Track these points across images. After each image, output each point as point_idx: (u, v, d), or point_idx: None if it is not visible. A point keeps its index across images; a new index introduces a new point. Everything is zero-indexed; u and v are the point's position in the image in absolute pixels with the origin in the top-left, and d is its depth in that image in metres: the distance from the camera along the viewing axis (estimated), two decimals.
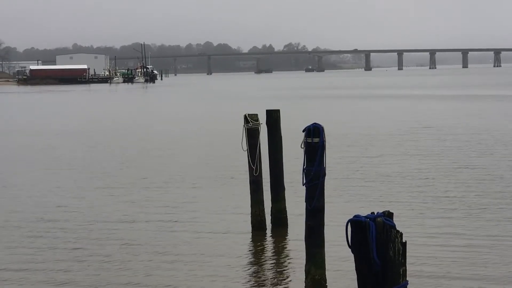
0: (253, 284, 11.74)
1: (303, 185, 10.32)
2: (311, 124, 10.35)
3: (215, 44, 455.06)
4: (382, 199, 17.98)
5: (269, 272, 12.40)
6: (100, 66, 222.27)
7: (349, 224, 5.09)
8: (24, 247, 14.38)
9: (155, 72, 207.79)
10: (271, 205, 15.10)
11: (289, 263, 12.90)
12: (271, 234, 14.85)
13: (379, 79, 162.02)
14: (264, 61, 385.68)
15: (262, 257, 13.46)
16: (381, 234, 5.02)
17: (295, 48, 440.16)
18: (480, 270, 12.04)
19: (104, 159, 28.09)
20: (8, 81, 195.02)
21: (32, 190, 21.13)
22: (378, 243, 5.01)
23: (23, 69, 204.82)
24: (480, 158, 25.10)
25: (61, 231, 15.63)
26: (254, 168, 14.70)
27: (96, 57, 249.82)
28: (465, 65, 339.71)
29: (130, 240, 14.70)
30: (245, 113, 14.94)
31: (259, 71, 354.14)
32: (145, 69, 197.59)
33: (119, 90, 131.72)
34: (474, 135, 32.65)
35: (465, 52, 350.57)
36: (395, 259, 5.08)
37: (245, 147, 14.76)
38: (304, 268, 10.58)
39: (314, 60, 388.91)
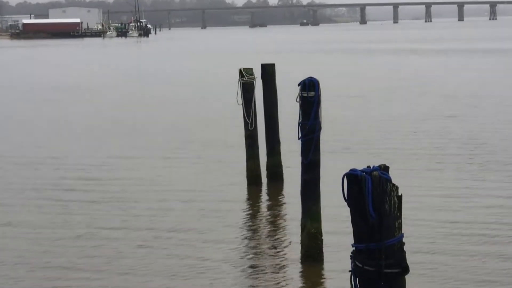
0: (250, 237, 11.82)
1: (299, 139, 10.32)
2: (307, 78, 10.30)
3: None
4: (379, 153, 18.02)
5: (265, 226, 12.48)
6: (93, 20, 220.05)
7: (345, 178, 5.09)
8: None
9: (149, 26, 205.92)
10: (266, 160, 15.12)
11: (285, 217, 12.98)
12: (266, 189, 14.91)
13: (375, 33, 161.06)
14: (258, 15, 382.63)
15: (258, 211, 13.53)
16: (377, 187, 5.03)
17: (290, 2, 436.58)
18: (475, 223, 12.13)
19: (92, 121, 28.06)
20: (1, 35, 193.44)
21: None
22: (374, 197, 5.02)
23: (15, 23, 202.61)
24: (474, 112, 25.15)
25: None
26: (250, 122, 14.70)
27: (89, 11, 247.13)
28: (460, 18, 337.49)
29: (124, 206, 14.76)
30: (240, 67, 14.89)
31: (253, 25, 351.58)
32: (138, 23, 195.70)
33: (112, 44, 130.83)
34: (469, 90, 32.65)
35: (460, 5, 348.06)
36: (390, 212, 5.09)
37: (240, 101, 14.74)
38: (300, 222, 10.62)
39: (309, 14, 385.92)
